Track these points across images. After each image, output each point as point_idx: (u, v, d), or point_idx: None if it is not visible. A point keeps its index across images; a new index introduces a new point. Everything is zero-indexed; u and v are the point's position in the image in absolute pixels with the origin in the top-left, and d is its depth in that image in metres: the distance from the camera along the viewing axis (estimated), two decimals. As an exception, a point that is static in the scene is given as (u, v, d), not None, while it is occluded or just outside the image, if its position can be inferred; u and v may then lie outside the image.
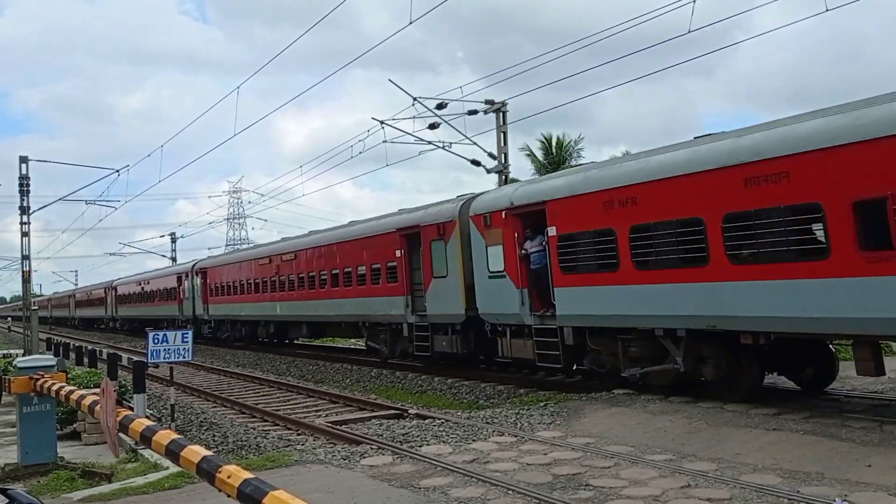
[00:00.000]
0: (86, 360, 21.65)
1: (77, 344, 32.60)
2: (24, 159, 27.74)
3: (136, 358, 20.56)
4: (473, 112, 22.66)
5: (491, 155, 23.16)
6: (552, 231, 13.77)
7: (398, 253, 19.18)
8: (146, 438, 5.85)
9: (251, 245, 36.52)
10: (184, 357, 12.76)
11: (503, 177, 22.98)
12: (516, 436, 10.26)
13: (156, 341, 12.51)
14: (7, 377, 10.66)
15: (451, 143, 23.09)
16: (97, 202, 34.71)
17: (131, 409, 11.06)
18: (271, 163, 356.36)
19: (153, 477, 8.83)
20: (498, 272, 15.27)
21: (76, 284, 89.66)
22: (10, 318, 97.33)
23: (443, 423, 11.61)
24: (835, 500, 6.58)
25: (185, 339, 12.64)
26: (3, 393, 10.54)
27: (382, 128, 22.49)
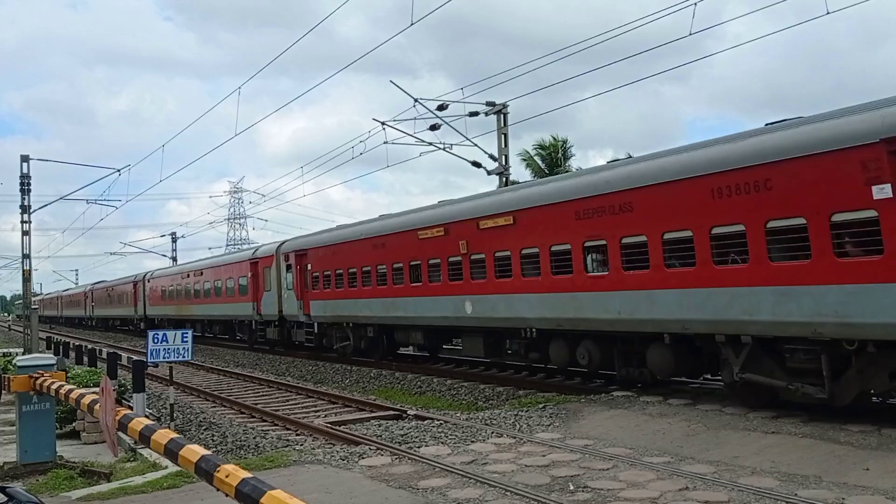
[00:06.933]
0: (85, 359, 21.66)
1: (77, 343, 32.65)
2: (25, 158, 27.79)
3: (135, 357, 20.58)
4: (475, 114, 22.72)
5: (492, 157, 23.19)
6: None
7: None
8: (145, 438, 5.87)
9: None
10: (183, 357, 12.79)
11: (504, 178, 23.01)
12: (515, 437, 10.26)
13: (155, 341, 12.54)
14: (7, 376, 10.68)
15: (451, 145, 23.14)
16: (98, 202, 34.76)
17: (131, 408, 11.08)
18: (258, 164, 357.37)
19: (152, 476, 8.84)
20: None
21: (76, 283, 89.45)
22: (10, 317, 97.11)
23: (441, 424, 11.62)
24: None
25: (185, 339, 12.67)
26: (3, 391, 10.56)
27: (383, 129, 22.55)
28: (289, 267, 25.97)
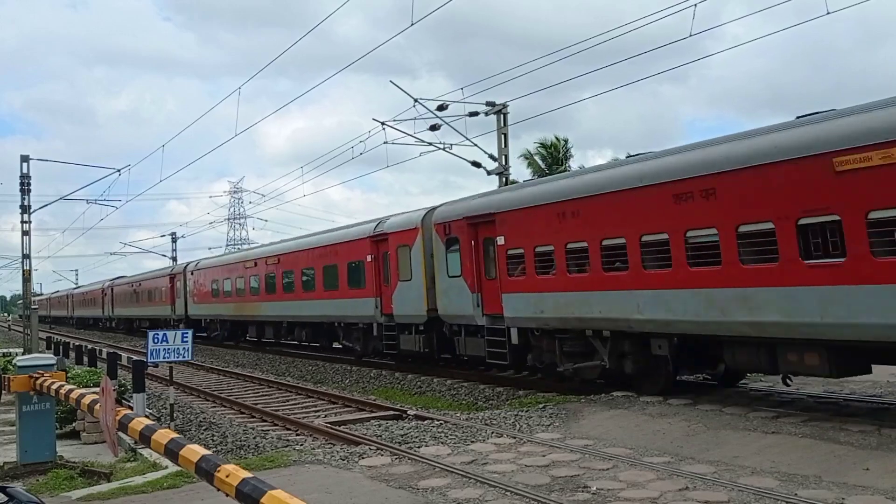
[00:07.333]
0: (85, 359, 21.67)
1: (77, 343, 32.64)
2: (24, 158, 27.81)
3: (135, 357, 20.58)
4: (475, 114, 22.72)
5: (491, 157, 23.20)
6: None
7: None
8: (145, 437, 5.87)
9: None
10: (183, 357, 12.78)
11: (504, 178, 23.03)
12: (515, 437, 10.27)
13: (155, 341, 12.53)
14: (7, 376, 10.68)
15: (451, 145, 23.15)
16: (98, 202, 34.76)
17: (131, 408, 11.08)
18: (257, 164, 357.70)
19: (152, 476, 8.85)
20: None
21: (76, 283, 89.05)
22: (10, 317, 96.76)
23: (441, 424, 11.62)
24: None
25: (185, 339, 12.66)
26: (3, 391, 10.56)
27: (383, 129, 22.56)
28: (452, 243, 17.20)
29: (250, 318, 30.25)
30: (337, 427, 12.24)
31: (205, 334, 36.04)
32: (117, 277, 56.75)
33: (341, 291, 22.51)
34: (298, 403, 16.52)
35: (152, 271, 49.05)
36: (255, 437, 12.52)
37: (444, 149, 23.23)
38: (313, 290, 24.35)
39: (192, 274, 37.27)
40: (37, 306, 29.99)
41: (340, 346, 24.67)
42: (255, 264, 29.31)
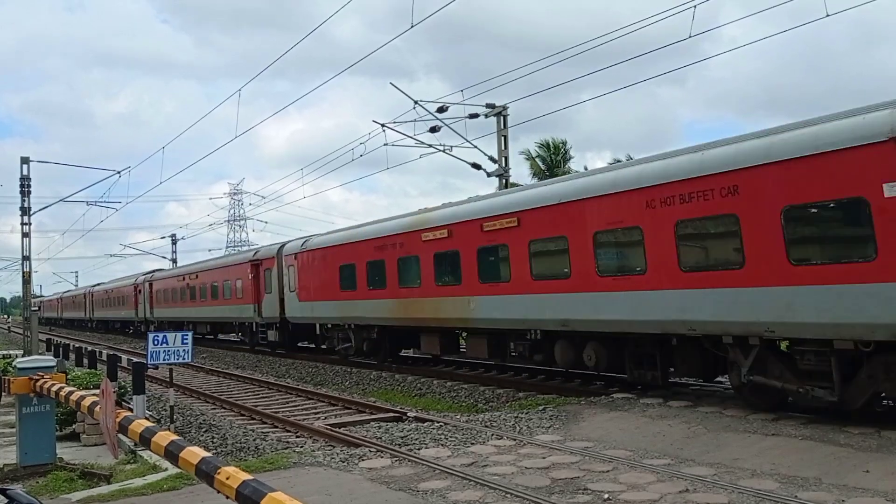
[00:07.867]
0: (85, 361, 21.66)
1: (77, 344, 32.62)
2: (25, 160, 27.85)
3: (135, 359, 20.58)
4: (475, 115, 22.77)
5: (491, 158, 23.23)
6: None
7: None
8: (145, 440, 5.87)
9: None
10: (183, 359, 12.76)
11: (503, 180, 23.06)
12: (515, 439, 10.26)
13: (156, 343, 12.52)
14: (7, 377, 10.68)
15: (451, 147, 23.18)
16: (98, 203, 34.80)
17: (131, 410, 11.07)
18: (256, 165, 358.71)
19: (152, 478, 8.85)
20: None
21: (76, 285, 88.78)
22: (9, 319, 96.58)
23: (441, 426, 11.62)
24: None
25: (185, 341, 12.65)
26: (3, 393, 10.56)
27: (383, 131, 22.60)
28: None
29: (436, 320, 18.47)
30: (337, 429, 12.24)
31: (292, 343, 27.85)
32: (155, 270, 47.37)
33: (770, 271, 10.22)
34: (298, 405, 16.51)
35: (219, 258, 38.38)
36: (255, 439, 12.52)
37: (443, 150, 23.27)
38: (640, 272, 12.37)
39: (295, 258, 25.22)
40: (36, 308, 30.00)
41: (733, 389, 12.06)
42: (450, 233, 17.40)
